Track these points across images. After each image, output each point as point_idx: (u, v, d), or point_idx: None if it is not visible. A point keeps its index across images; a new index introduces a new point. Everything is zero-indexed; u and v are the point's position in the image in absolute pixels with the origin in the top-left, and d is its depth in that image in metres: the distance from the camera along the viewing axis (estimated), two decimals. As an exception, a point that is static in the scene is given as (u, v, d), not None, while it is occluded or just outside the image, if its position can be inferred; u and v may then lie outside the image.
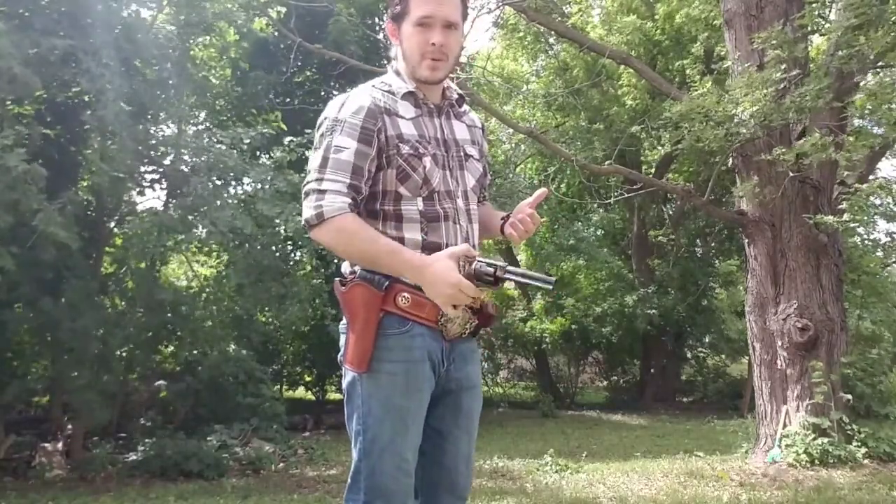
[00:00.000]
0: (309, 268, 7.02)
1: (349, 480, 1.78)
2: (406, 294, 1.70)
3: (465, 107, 1.97)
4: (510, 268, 1.67)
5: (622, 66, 10.51)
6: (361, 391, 1.74)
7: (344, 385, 1.80)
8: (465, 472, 1.89)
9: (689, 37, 11.70)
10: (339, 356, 1.80)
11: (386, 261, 1.67)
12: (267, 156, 7.30)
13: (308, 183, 1.71)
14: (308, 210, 1.68)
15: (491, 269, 1.66)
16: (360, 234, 1.66)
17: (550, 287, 1.71)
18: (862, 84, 6.22)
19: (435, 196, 1.76)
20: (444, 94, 1.87)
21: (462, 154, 1.86)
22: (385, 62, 10.08)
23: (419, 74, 1.77)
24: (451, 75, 1.90)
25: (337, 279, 1.78)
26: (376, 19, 11.45)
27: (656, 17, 11.82)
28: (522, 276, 1.73)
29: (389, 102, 1.76)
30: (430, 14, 1.71)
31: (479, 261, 1.68)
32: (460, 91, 1.94)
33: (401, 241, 1.73)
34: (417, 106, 1.80)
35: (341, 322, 1.82)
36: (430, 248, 1.73)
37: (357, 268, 1.75)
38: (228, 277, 7.14)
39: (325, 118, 1.75)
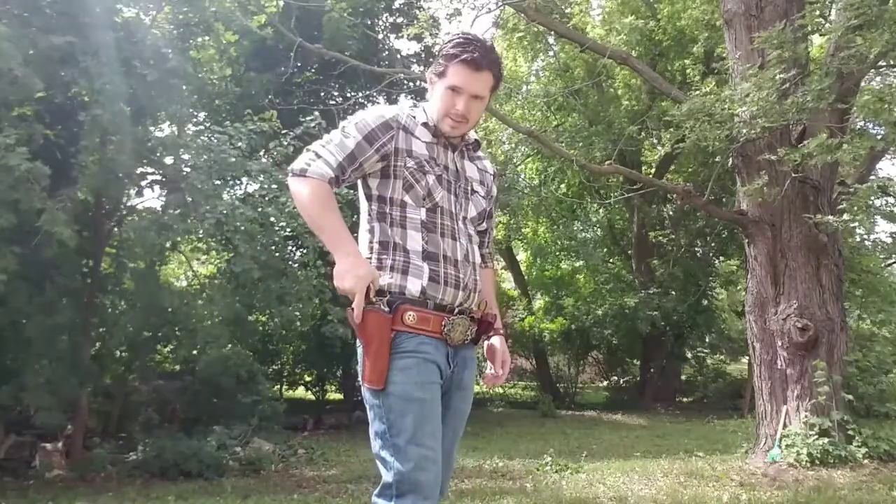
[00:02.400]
0: (309, 266, 7.00)
1: (382, 482, 1.88)
2: (412, 313, 1.90)
3: (480, 153, 2.20)
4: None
5: (620, 67, 10.50)
6: (381, 392, 1.89)
7: (365, 396, 1.96)
8: (445, 470, 2.01)
9: (689, 37, 11.71)
10: (358, 378, 1.98)
11: (324, 236, 1.91)
12: (265, 154, 7.30)
13: (312, 145, 1.96)
14: (299, 162, 1.94)
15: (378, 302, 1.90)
16: (324, 202, 1.90)
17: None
18: (863, 84, 6.22)
19: (438, 210, 1.97)
20: (462, 136, 2.08)
21: (469, 188, 2.08)
22: (384, 62, 10.10)
23: (441, 127, 2.01)
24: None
25: (348, 308, 1.93)
26: (376, 19, 11.45)
27: (659, 17, 11.81)
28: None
29: (409, 122, 2.00)
30: (462, 86, 1.95)
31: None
32: (478, 138, 2.17)
33: (403, 246, 1.94)
34: (435, 136, 2.02)
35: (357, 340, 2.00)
36: (429, 256, 1.94)
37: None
38: (227, 272, 7.14)
39: (355, 115, 2.01)
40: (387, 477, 1.86)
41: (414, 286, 1.91)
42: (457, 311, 1.96)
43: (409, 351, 1.88)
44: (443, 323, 1.92)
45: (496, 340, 2.15)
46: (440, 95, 1.98)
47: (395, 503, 1.84)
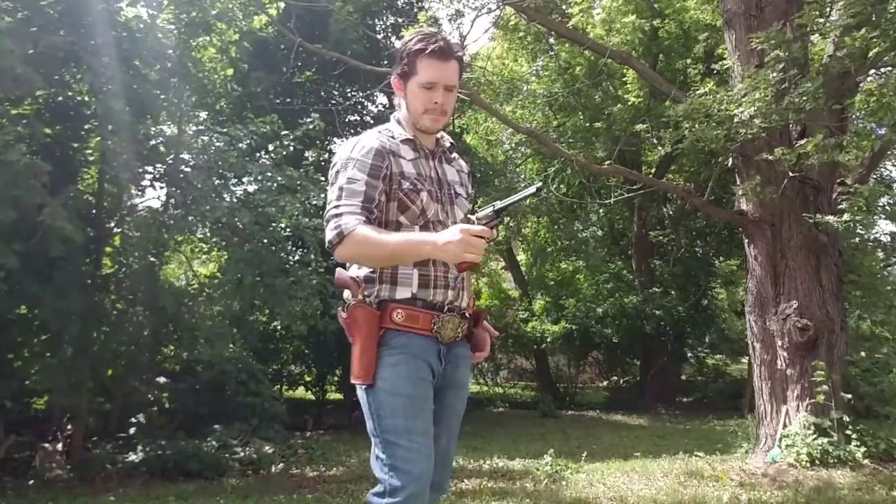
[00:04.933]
0: (310, 265, 7.01)
1: (379, 483, 1.90)
2: (400, 310, 1.93)
3: (455, 154, 2.23)
4: (501, 202, 1.98)
5: (624, 67, 10.49)
6: (371, 390, 1.94)
7: (358, 396, 1.98)
8: (443, 468, 2.04)
9: (692, 37, 11.70)
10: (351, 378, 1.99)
11: (404, 249, 1.88)
12: (265, 154, 7.30)
13: (328, 212, 1.95)
14: (329, 233, 1.91)
15: (489, 210, 1.97)
16: (375, 236, 1.87)
17: (538, 190, 2.02)
18: (862, 85, 6.21)
19: (430, 225, 2.01)
20: (437, 142, 2.13)
21: (452, 192, 2.11)
22: (384, 63, 10.10)
23: (421, 125, 2.04)
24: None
25: (340, 308, 2.00)
26: (377, 20, 11.45)
27: (666, 12, 11.80)
28: (514, 200, 2.03)
29: (393, 146, 2.02)
30: (435, 80, 1.98)
31: (476, 216, 1.99)
32: (452, 141, 2.23)
33: None
34: (416, 150, 2.06)
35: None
36: (421, 262, 1.96)
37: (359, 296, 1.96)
38: (227, 271, 7.13)
39: (340, 158, 2.00)
40: (380, 474, 1.89)
41: (403, 293, 1.95)
42: (446, 309, 1.99)
43: (398, 347, 1.91)
44: (432, 321, 1.96)
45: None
46: (414, 94, 2.01)
47: (387, 500, 1.86)
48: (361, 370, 1.91)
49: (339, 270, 2.06)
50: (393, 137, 2.04)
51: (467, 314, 2.08)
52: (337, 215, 1.90)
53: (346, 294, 2.01)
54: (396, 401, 1.89)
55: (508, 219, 13.48)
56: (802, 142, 5.59)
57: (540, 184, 2.01)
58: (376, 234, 1.88)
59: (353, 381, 1.95)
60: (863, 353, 7.06)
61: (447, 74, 1.99)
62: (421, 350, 1.94)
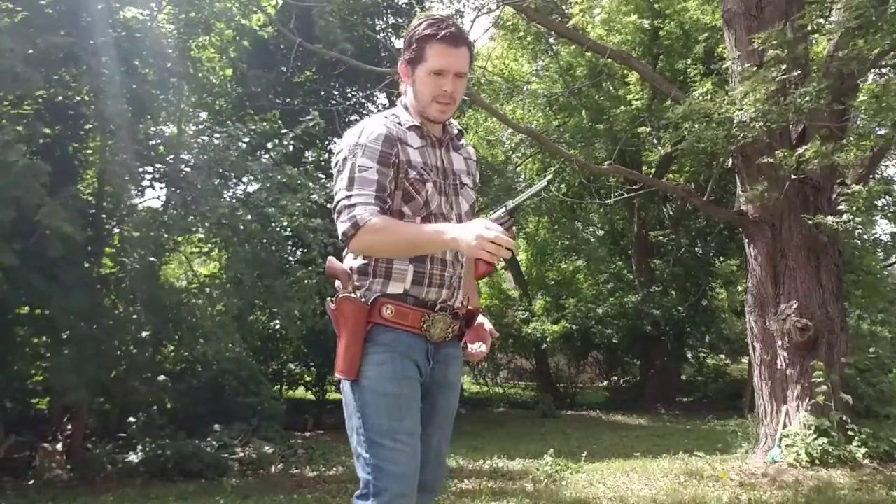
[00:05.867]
0: (310, 265, 7.01)
1: (361, 483, 1.86)
2: (390, 306, 1.88)
3: (463, 140, 2.14)
4: (512, 201, 1.95)
5: (626, 67, 10.49)
6: (355, 387, 1.90)
7: (342, 391, 1.95)
8: (435, 468, 2.00)
9: (692, 37, 11.71)
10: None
11: (423, 238, 1.84)
12: (265, 153, 7.29)
13: (338, 202, 1.87)
14: (343, 224, 1.84)
15: (501, 211, 1.94)
16: (392, 226, 1.84)
17: (548, 184, 1.93)
18: (863, 86, 6.21)
19: (432, 217, 1.94)
20: (444, 128, 2.05)
21: (458, 182, 2.04)
22: (385, 63, 10.10)
23: (428, 114, 1.96)
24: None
25: (329, 298, 1.94)
26: (376, 20, 11.45)
27: (667, 12, 11.80)
28: (526, 197, 2.02)
29: (400, 133, 1.94)
30: (445, 67, 1.90)
31: (490, 218, 1.91)
32: (460, 127, 2.15)
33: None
34: (423, 137, 1.98)
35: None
36: (417, 258, 1.90)
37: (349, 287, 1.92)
38: (226, 269, 7.13)
39: (346, 144, 1.93)
40: (363, 473, 1.84)
41: (396, 289, 1.89)
42: (438, 307, 1.94)
43: (384, 344, 1.86)
44: (422, 318, 1.90)
45: (479, 319, 2.15)
46: (423, 81, 1.93)
47: (371, 501, 1.81)
48: (345, 365, 1.86)
49: (330, 259, 1.99)
50: (400, 123, 1.96)
51: (460, 314, 2.02)
52: (350, 206, 1.83)
53: (337, 284, 1.95)
54: (381, 400, 1.84)
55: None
56: (802, 149, 5.59)
57: (550, 176, 1.92)
58: (393, 223, 1.84)
59: (336, 376, 1.91)
60: (862, 353, 7.05)
61: (458, 61, 1.91)
62: (408, 348, 1.89)
